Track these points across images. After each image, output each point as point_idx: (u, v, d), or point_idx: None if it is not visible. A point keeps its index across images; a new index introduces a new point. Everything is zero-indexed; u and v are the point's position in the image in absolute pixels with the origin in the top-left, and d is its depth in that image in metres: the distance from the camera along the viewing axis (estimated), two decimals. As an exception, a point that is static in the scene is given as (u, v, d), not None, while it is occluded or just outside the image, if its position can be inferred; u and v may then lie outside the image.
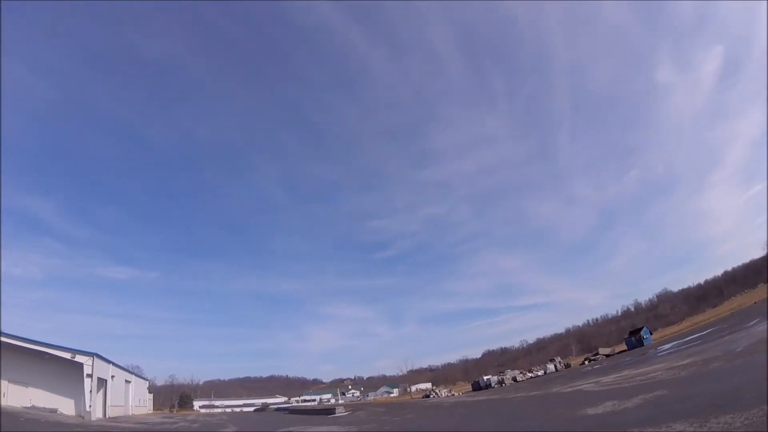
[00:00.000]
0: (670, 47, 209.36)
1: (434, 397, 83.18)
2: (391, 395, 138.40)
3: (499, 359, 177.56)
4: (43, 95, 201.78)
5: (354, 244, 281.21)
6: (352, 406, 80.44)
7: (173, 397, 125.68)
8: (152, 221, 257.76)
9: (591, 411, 18.90)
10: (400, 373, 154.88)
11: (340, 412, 60.41)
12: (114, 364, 54.57)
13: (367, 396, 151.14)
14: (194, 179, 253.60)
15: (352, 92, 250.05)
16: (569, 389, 33.24)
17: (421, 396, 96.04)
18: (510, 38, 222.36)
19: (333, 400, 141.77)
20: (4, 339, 42.57)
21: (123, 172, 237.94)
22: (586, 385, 32.26)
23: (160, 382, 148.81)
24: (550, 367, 72.50)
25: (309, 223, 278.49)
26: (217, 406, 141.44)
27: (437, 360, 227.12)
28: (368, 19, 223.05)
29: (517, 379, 72.88)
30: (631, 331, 73.86)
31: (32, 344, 43.51)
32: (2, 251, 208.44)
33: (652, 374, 26.24)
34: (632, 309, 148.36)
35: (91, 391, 43.23)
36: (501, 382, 73.95)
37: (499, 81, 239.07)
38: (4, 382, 42.33)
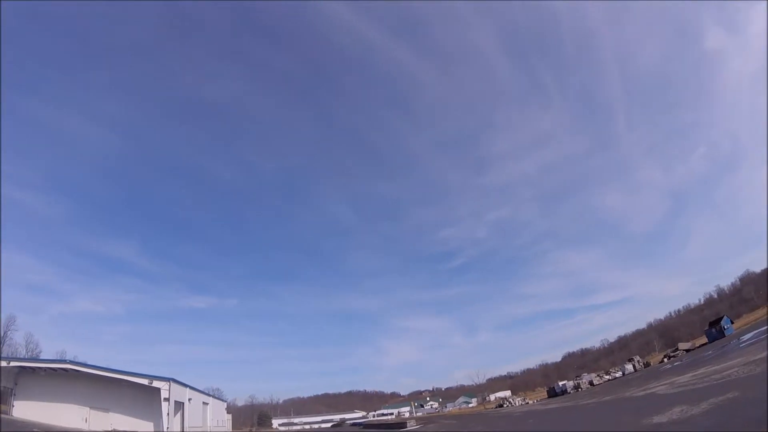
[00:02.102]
0: (714, 11, 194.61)
1: (507, 406, 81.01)
2: (470, 405, 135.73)
3: (580, 361, 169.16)
4: (111, 146, 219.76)
5: (423, 257, 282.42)
6: (424, 420, 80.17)
7: (253, 416, 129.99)
8: (229, 252, 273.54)
9: (657, 419, 18.27)
10: (478, 382, 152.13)
11: (411, 425, 60.64)
12: (191, 388, 56.98)
13: (446, 407, 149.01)
14: (265, 209, 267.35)
15: (405, 108, 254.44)
16: (642, 393, 31.68)
17: (494, 406, 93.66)
18: (552, 30, 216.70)
19: (406, 414, 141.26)
20: (85, 370, 47.88)
21: (197, 209, 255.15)
22: (660, 387, 30.61)
23: (240, 403, 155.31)
24: (629, 367, 68.60)
25: (378, 240, 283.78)
26: (296, 424, 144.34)
27: (516, 366, 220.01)
28: (410, 34, 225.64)
29: (594, 382, 69.49)
30: (710, 322, 68.40)
31: (112, 373, 47.77)
32: (80, 290, 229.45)
33: (727, 372, 24.61)
34: (715, 296, 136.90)
35: (168, 414, 45.79)
36: (577, 387, 70.79)
37: (548, 76, 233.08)
38: (86, 409, 46.52)
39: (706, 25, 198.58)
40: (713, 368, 28.95)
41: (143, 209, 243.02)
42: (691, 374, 30.98)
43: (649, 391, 30.78)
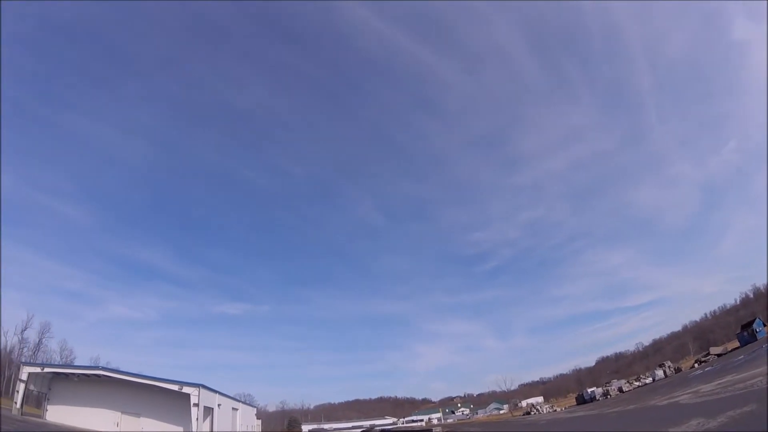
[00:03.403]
0: (739, 1, 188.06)
1: (535, 413, 79.68)
2: (501, 412, 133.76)
3: (614, 366, 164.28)
4: (144, 154, 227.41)
5: (454, 259, 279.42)
6: (450, 426, 79.58)
7: (283, 421, 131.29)
8: (261, 257, 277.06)
9: (673, 430, 17.78)
10: (510, 388, 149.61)
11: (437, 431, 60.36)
12: (220, 393, 58.20)
13: (476, 413, 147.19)
14: (296, 213, 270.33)
15: (432, 108, 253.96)
16: (666, 402, 30.83)
17: (522, 413, 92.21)
18: (577, 25, 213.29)
19: (435, 420, 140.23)
20: (117, 376, 49.66)
21: (230, 215, 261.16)
22: (684, 396, 29.75)
23: (271, 408, 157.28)
24: (659, 373, 66.41)
25: (408, 242, 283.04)
26: (326, 429, 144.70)
27: (550, 371, 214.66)
28: (435, 35, 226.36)
29: (624, 389, 67.62)
30: (742, 324, 65.52)
31: (143, 379, 49.73)
32: (115, 296, 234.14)
33: (751, 381, 23.79)
34: (751, 295, 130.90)
35: (197, 419, 46.93)
36: (606, 394, 69.06)
37: (576, 72, 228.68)
38: (118, 413, 48.30)
39: (733, 15, 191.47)
40: (738, 376, 27.97)
41: (177, 216, 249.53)
42: (716, 382, 29.97)
43: (673, 400, 29.94)
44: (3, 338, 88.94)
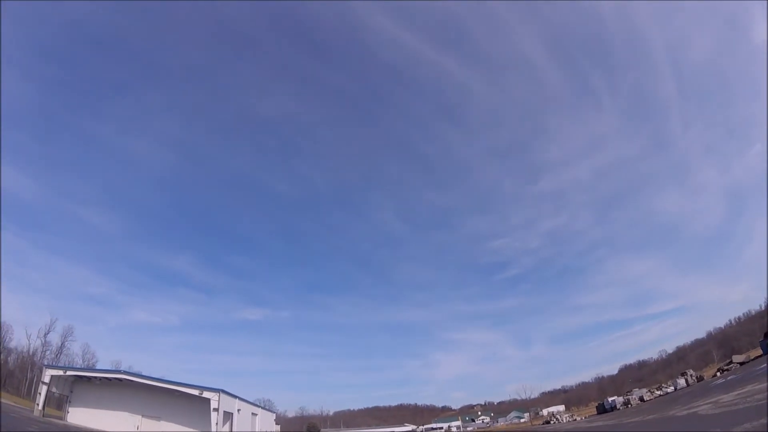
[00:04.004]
0: (760, 3, 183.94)
1: (554, 423, 78.55)
2: (522, 420, 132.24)
3: (637, 374, 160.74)
4: (168, 162, 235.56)
5: (475, 267, 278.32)
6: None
7: (302, 427, 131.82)
8: (283, 264, 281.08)
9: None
10: (531, 397, 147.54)
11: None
12: (240, 399, 58.97)
13: (497, 422, 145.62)
14: (319, 221, 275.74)
15: (455, 118, 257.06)
16: (685, 412, 30.20)
17: (541, 422, 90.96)
18: (599, 31, 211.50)
19: (454, 428, 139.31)
20: (138, 380, 50.95)
21: (252, 222, 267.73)
22: (704, 406, 29.08)
23: (291, 414, 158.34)
24: (681, 382, 64.68)
25: (429, 251, 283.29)
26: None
27: (572, 380, 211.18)
28: (457, 45, 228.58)
29: (645, 398, 66.07)
30: (765, 332, 63.41)
31: (164, 383, 50.63)
32: (137, 301, 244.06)
33: (772, 392, 23.14)
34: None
35: (217, 423, 47.72)
36: (627, 403, 67.61)
37: (598, 79, 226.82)
38: (138, 417, 49.34)
39: (754, 18, 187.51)
40: (759, 386, 27.27)
41: (200, 223, 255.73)
42: (736, 392, 29.26)
43: (692, 411, 29.32)
44: (26, 341, 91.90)
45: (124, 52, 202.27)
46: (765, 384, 26.84)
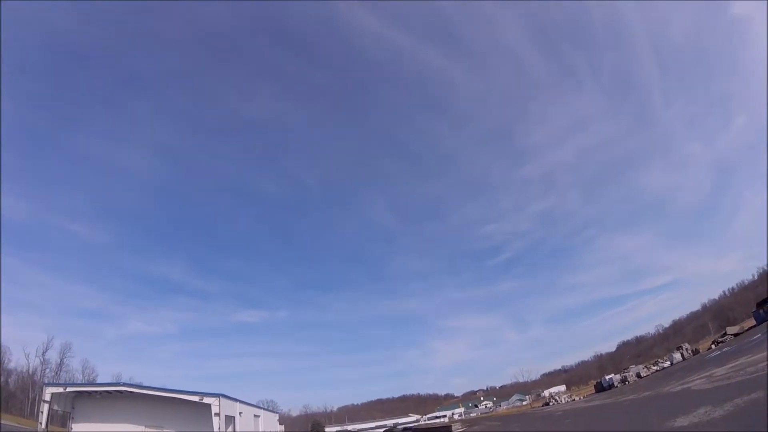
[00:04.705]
0: None
1: (553, 404, 79.60)
2: (524, 403, 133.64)
3: (635, 350, 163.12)
4: (155, 170, 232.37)
5: (468, 254, 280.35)
6: (470, 422, 79.87)
7: (307, 426, 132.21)
8: (277, 265, 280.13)
9: (679, 422, 18.05)
10: (531, 379, 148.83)
11: (456, 428, 60.62)
12: (241, 402, 58.68)
13: (500, 406, 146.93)
14: (310, 220, 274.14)
15: (439, 108, 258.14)
16: (679, 388, 30.79)
17: (541, 404, 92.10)
18: (578, 13, 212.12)
19: (456, 415, 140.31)
20: (139, 390, 51.03)
21: (243, 225, 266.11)
22: (698, 381, 29.67)
23: (295, 413, 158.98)
24: (677, 356, 65.70)
25: (422, 241, 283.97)
26: (350, 430, 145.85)
27: (571, 359, 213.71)
28: (437, 36, 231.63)
29: (641, 374, 67.15)
30: (758, 302, 64.65)
31: (164, 392, 50.55)
32: (133, 312, 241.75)
33: (762, 363, 23.62)
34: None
35: (219, 428, 47.66)
36: (624, 381, 68.68)
37: (579, 61, 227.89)
38: (141, 427, 49.40)
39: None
40: (752, 358, 27.84)
41: (191, 229, 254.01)
42: (730, 365, 29.82)
43: (686, 386, 29.87)
44: (25, 360, 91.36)
45: (103, 62, 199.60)
46: (757, 356, 27.36)
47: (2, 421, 54.81)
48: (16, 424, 54.57)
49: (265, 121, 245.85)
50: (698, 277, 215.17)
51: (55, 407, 47.16)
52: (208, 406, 48.61)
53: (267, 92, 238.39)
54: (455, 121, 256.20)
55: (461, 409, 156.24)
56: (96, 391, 50.98)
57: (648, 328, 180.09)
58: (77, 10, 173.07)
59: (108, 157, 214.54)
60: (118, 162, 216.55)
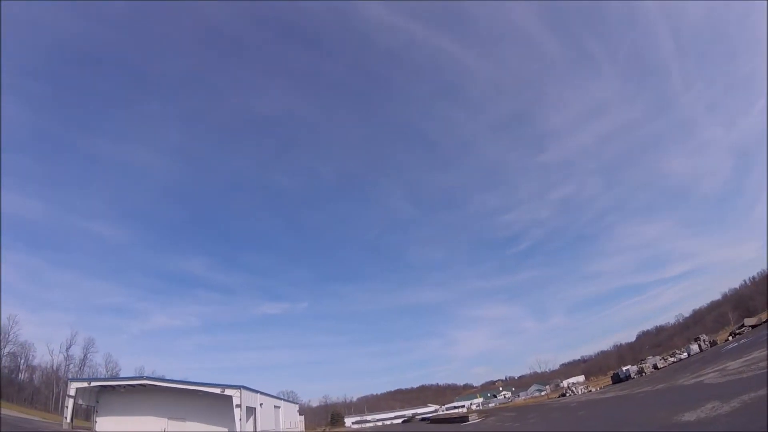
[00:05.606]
0: None
1: (570, 395, 79.51)
2: (543, 393, 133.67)
3: (654, 339, 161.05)
4: (172, 168, 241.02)
5: (487, 243, 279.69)
6: (486, 412, 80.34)
7: (327, 416, 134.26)
8: (297, 257, 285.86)
9: (687, 417, 18.18)
10: (551, 369, 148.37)
11: (473, 419, 61.21)
12: (261, 393, 60.20)
13: (518, 396, 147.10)
14: (328, 212, 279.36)
15: (455, 95, 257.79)
16: (693, 380, 30.77)
17: (558, 395, 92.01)
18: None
19: (474, 405, 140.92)
20: (161, 384, 52.50)
21: (263, 218, 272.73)
22: (711, 374, 29.56)
23: (315, 404, 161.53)
24: (694, 347, 64.85)
25: (440, 231, 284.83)
26: (369, 421, 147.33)
27: (591, 349, 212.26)
28: (450, 22, 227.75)
29: (658, 366, 66.52)
30: (776, 294, 63.71)
31: (186, 385, 52.44)
32: (156, 307, 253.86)
33: (774, 359, 23.50)
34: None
35: (240, 419, 49.00)
36: (641, 372, 68.15)
37: (595, 45, 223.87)
38: (164, 420, 51.03)
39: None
40: (764, 353, 27.61)
41: (211, 225, 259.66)
42: (743, 359, 29.62)
43: (699, 379, 29.84)
44: (49, 357, 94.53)
45: (114, 64, 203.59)
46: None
47: (29, 417, 56.97)
48: (41, 419, 56.65)
49: (278, 117, 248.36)
50: (719, 265, 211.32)
51: (80, 402, 48.95)
52: (230, 397, 49.88)
53: (279, 87, 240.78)
54: (471, 108, 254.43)
55: (480, 400, 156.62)
56: (119, 385, 52.75)
57: (668, 318, 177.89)
58: (89, 14, 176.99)
59: (124, 158, 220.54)
60: (135, 162, 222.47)
